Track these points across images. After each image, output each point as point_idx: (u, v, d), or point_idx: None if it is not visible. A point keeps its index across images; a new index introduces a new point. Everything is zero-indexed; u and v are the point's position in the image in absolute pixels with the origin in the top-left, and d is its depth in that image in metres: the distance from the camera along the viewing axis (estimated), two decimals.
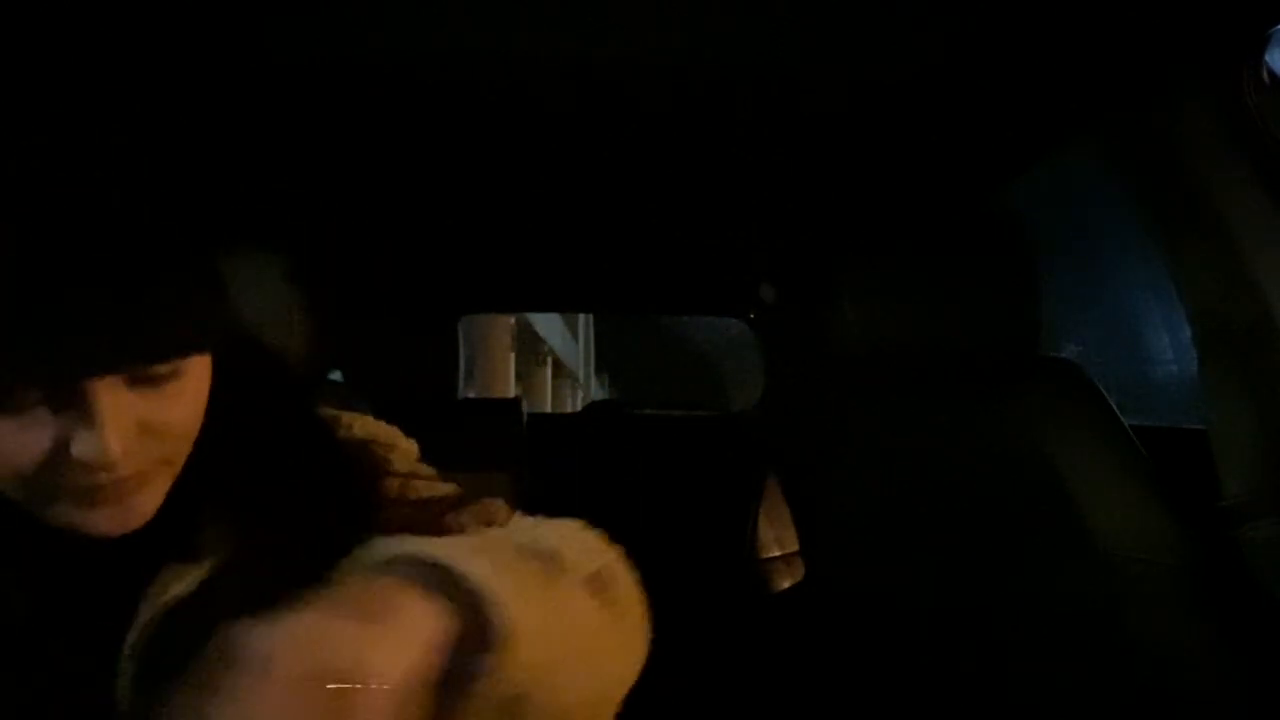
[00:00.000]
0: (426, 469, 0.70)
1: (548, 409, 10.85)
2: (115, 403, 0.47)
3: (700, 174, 1.37)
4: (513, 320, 8.70)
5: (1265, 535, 0.76)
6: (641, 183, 1.43)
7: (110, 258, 0.46)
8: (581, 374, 14.14)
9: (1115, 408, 0.98)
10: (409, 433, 0.70)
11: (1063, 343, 1.69)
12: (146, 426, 0.49)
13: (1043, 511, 0.94)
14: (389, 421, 0.71)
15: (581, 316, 11.99)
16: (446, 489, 0.68)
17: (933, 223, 1.04)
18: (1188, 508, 0.89)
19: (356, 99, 1.04)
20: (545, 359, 11.68)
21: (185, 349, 0.51)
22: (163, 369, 0.49)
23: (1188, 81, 0.82)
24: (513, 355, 9.35)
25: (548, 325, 10.52)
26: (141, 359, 0.48)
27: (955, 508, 1.00)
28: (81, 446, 0.46)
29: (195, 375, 0.53)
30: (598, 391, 14.29)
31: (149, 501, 0.51)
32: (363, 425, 0.69)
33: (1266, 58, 0.80)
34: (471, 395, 3.92)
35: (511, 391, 8.59)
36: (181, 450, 0.53)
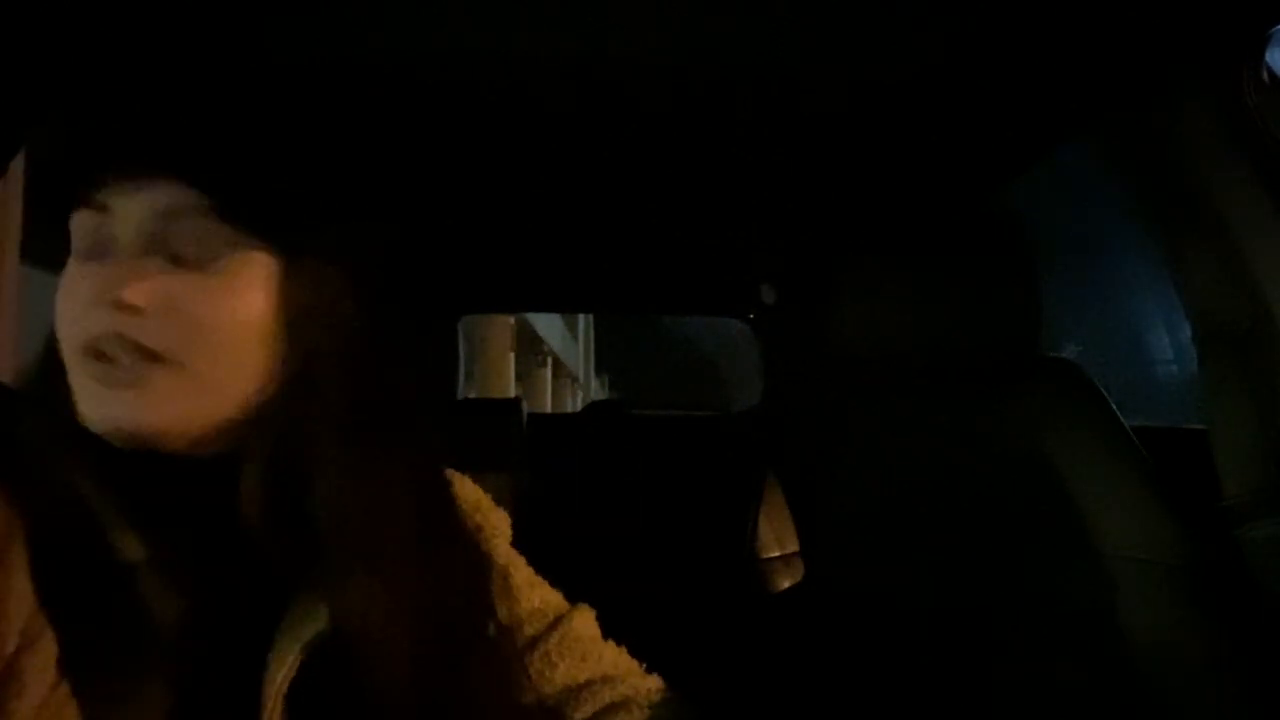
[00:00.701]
0: (518, 559, 0.68)
1: (548, 409, 10.85)
2: (151, 261, 0.49)
3: (700, 174, 1.37)
4: (513, 320, 8.71)
5: (1265, 535, 0.76)
6: (641, 183, 1.43)
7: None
8: (581, 374, 14.14)
9: (1115, 408, 0.98)
10: None
11: (1063, 343, 1.69)
12: (173, 305, 0.49)
13: (1043, 511, 0.94)
14: None
15: (581, 316, 12.00)
16: (537, 601, 0.67)
17: (932, 223, 1.04)
18: (1188, 508, 0.88)
19: (356, 99, 1.04)
20: (545, 359, 11.68)
21: (246, 222, 0.50)
22: (200, 249, 0.50)
23: (1188, 81, 0.82)
24: (513, 355, 9.36)
25: (548, 325, 10.53)
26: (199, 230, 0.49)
27: (955, 508, 1.00)
28: (110, 285, 0.48)
29: (243, 279, 0.51)
30: (598, 391, 14.30)
31: (153, 409, 0.48)
32: (464, 487, 0.68)
33: (1266, 58, 0.80)
34: (471, 395, 3.92)
35: (511, 391, 8.59)
36: (203, 368, 0.49)
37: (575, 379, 13.80)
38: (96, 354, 0.48)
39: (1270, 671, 0.79)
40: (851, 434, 1.09)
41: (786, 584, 1.54)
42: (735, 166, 1.33)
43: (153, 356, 0.48)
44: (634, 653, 0.70)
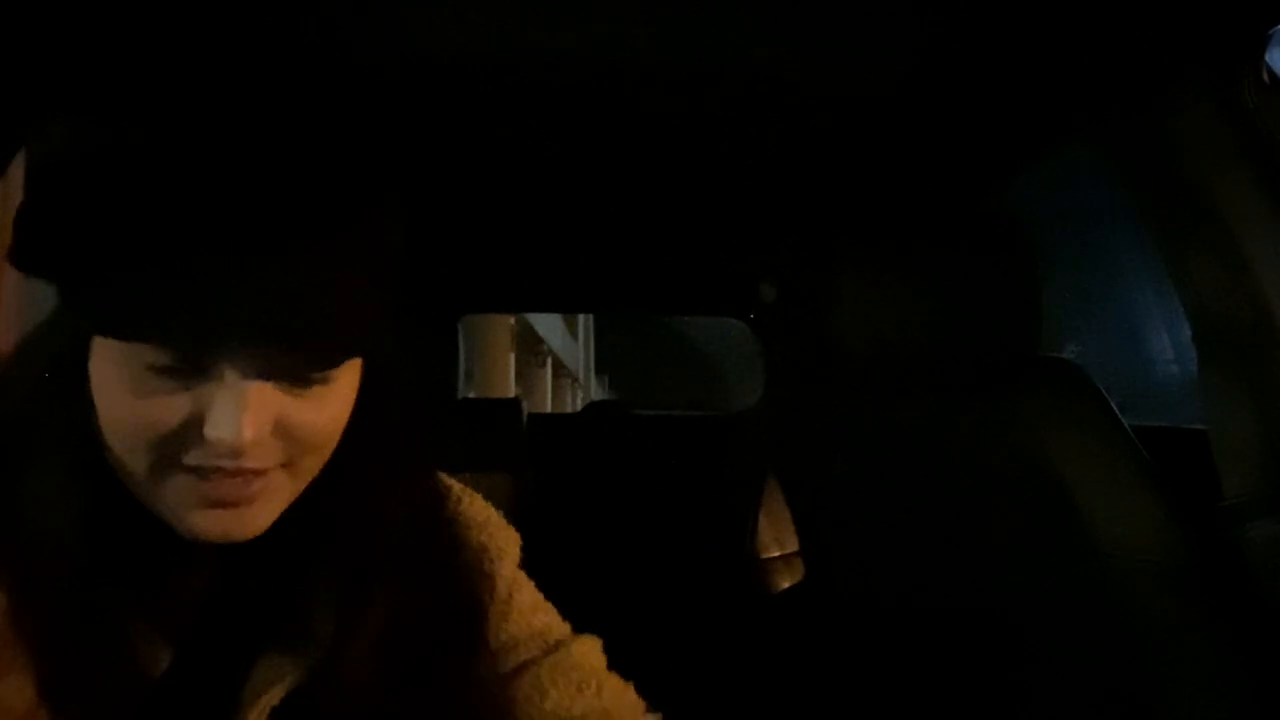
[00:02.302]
0: (524, 581, 0.66)
1: (548, 409, 10.85)
2: (260, 390, 0.45)
3: (700, 174, 1.37)
4: (513, 320, 8.70)
5: (1265, 535, 0.76)
6: (641, 183, 1.43)
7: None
8: (581, 374, 14.14)
9: (1115, 408, 0.98)
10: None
11: (1063, 343, 1.69)
12: (283, 425, 0.47)
13: (1042, 512, 0.94)
14: None
15: (581, 316, 11.99)
16: (539, 624, 0.65)
17: (932, 223, 1.04)
18: (1188, 508, 0.89)
19: (357, 98, 1.04)
20: (545, 359, 11.68)
21: (347, 352, 0.49)
22: (317, 373, 0.48)
23: (1188, 82, 0.82)
24: (513, 355, 9.35)
25: (548, 325, 10.52)
26: (305, 361, 0.47)
27: (955, 508, 1.00)
28: (216, 425, 0.44)
29: (344, 382, 0.50)
30: (598, 391, 14.29)
31: (263, 516, 0.48)
32: (473, 504, 0.66)
33: (1266, 58, 0.80)
34: (471, 395, 3.92)
35: (511, 391, 8.59)
36: (309, 465, 0.50)
37: (575, 379, 13.79)
38: (197, 472, 0.46)
39: (1270, 671, 0.79)
40: (851, 434, 1.09)
41: (786, 584, 1.54)
42: (735, 166, 1.33)
43: (265, 473, 0.48)
44: (634, 651, 0.68)
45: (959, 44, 0.90)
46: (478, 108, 1.08)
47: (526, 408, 2.32)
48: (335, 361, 0.49)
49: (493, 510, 0.68)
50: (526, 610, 0.64)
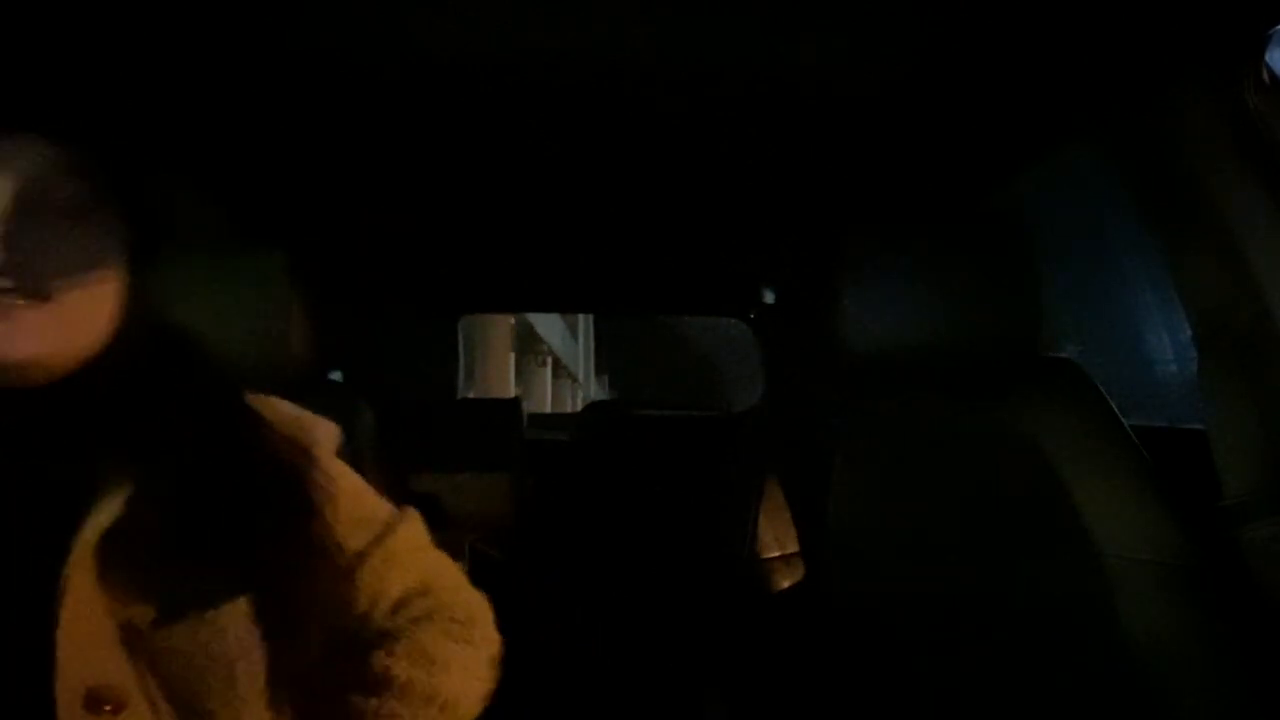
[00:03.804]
0: (343, 468, 0.69)
1: (548, 409, 10.85)
2: (25, 207, 0.53)
3: (700, 174, 1.37)
4: (513, 320, 8.70)
5: (1265, 535, 0.76)
6: (641, 183, 1.43)
7: None
8: (581, 374, 14.13)
9: (1115, 408, 0.98)
10: (409, 432, 0.69)
11: (1063, 343, 1.69)
12: (20, 247, 0.53)
13: (1042, 511, 0.94)
14: (388, 421, 0.71)
15: (581, 316, 11.98)
16: (365, 510, 0.68)
17: (932, 223, 1.04)
18: (1188, 508, 0.88)
19: (358, 98, 1.04)
20: (545, 359, 11.67)
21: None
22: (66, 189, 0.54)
23: (1188, 81, 0.82)
24: (513, 355, 9.35)
25: (548, 325, 10.52)
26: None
27: (955, 508, 1.00)
28: None
29: (90, 226, 0.56)
30: (598, 391, 14.29)
31: (24, 341, 0.53)
32: (275, 405, 0.69)
33: (1266, 58, 0.80)
34: (471, 395, 3.92)
35: (511, 391, 8.59)
36: (69, 303, 0.55)
37: (575, 379, 13.79)
38: None
39: (1270, 671, 0.79)
40: (851, 434, 1.09)
41: (786, 584, 1.54)
42: (735, 166, 1.33)
43: (32, 294, 0.54)
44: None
45: (959, 44, 0.90)
46: (478, 108, 1.08)
47: (526, 408, 2.32)
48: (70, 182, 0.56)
49: (304, 411, 0.70)
50: (351, 497, 0.67)
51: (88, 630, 0.52)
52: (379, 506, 0.70)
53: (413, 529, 0.70)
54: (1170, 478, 0.92)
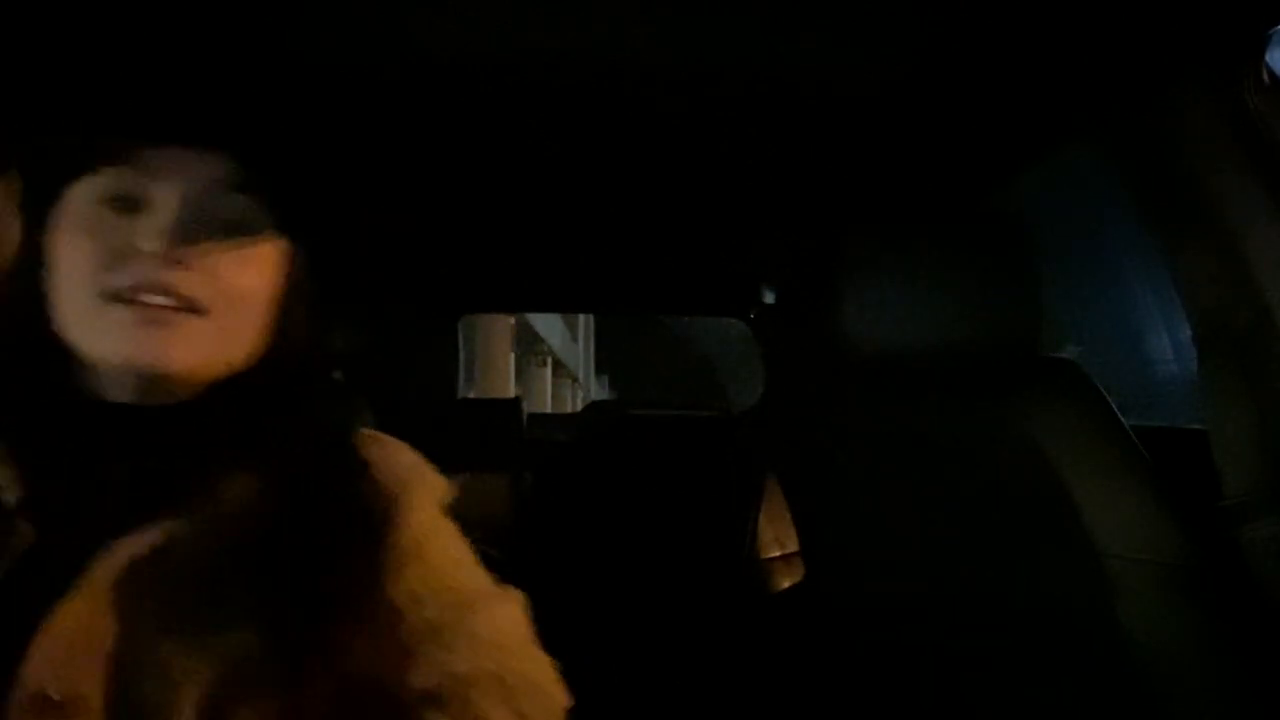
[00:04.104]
0: (448, 536, 0.63)
1: (548, 409, 10.85)
2: (192, 219, 0.54)
3: (700, 174, 1.37)
4: (513, 320, 8.71)
5: (1265, 535, 0.76)
6: (641, 183, 1.43)
7: None
8: (581, 374, 14.14)
9: (1115, 408, 0.98)
10: (409, 432, 0.68)
11: (1063, 343, 1.69)
12: (207, 262, 0.55)
13: (1043, 511, 0.94)
14: (388, 421, 0.70)
15: (581, 316, 11.99)
16: (456, 585, 0.61)
17: (933, 222, 1.04)
18: (1188, 508, 0.88)
19: (358, 98, 1.04)
20: (545, 359, 11.68)
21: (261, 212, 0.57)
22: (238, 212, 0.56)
23: (1188, 81, 0.82)
24: (513, 355, 9.36)
25: (548, 325, 10.53)
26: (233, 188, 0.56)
27: (955, 508, 1.00)
28: (149, 237, 0.53)
29: (269, 251, 0.58)
30: (598, 391, 14.29)
31: (182, 351, 0.54)
32: (386, 450, 0.65)
33: (1266, 58, 0.80)
34: (471, 395, 3.92)
35: (511, 391, 8.59)
36: (229, 324, 0.56)
37: (575, 379, 13.80)
38: (130, 300, 0.53)
39: (1270, 671, 0.79)
40: (851, 434, 1.09)
41: (786, 584, 1.54)
42: (735, 166, 1.33)
43: (192, 306, 0.54)
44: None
45: (959, 44, 0.90)
46: (478, 108, 1.08)
47: (526, 408, 2.32)
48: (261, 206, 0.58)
49: (418, 459, 0.66)
50: (437, 565, 0.61)
51: (79, 640, 0.50)
52: (474, 580, 0.63)
53: (509, 613, 0.62)
54: (1170, 478, 0.92)
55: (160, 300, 0.53)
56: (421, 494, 0.64)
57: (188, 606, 0.52)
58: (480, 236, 1.76)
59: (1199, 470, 0.83)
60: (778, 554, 1.60)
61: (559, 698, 0.60)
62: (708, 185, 1.43)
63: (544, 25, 0.88)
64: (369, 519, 0.60)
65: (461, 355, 2.42)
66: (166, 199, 0.55)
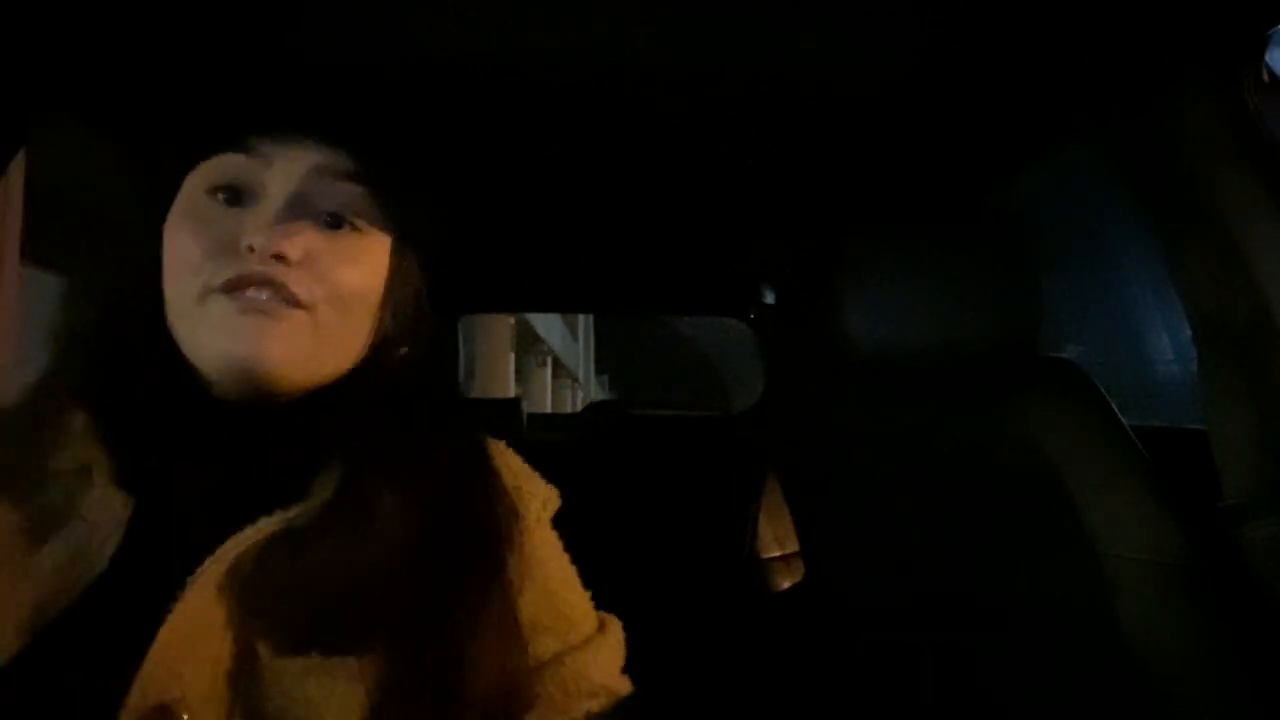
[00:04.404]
0: (555, 551, 0.62)
1: (548, 409, 10.85)
2: (297, 212, 0.54)
3: (700, 174, 1.37)
4: (513, 320, 8.71)
5: (1265, 535, 0.76)
6: (641, 183, 1.43)
7: None
8: (581, 374, 14.14)
9: (1115, 408, 0.98)
10: None
11: (1063, 343, 1.69)
12: (311, 257, 0.53)
13: (1042, 512, 0.94)
14: None
15: (581, 316, 11.99)
16: (568, 612, 0.60)
17: (933, 222, 1.04)
18: (1188, 508, 0.88)
19: (359, 99, 1.04)
20: (545, 359, 11.68)
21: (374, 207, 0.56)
22: (347, 209, 0.55)
23: (1188, 81, 0.82)
24: (513, 355, 9.36)
25: (548, 325, 10.53)
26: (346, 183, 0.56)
27: (955, 508, 1.00)
28: (256, 230, 0.52)
29: (375, 247, 0.56)
30: (598, 391, 14.29)
31: (282, 347, 0.52)
32: (508, 457, 0.64)
33: (1266, 58, 0.80)
34: (471, 395, 3.92)
35: (511, 391, 8.59)
36: (331, 320, 0.54)
37: (575, 379, 13.79)
38: (235, 292, 0.52)
39: (1270, 671, 0.79)
40: (851, 434, 1.09)
41: (786, 584, 1.54)
42: (735, 166, 1.33)
43: (294, 301, 0.53)
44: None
45: (959, 44, 0.90)
46: (478, 108, 1.08)
47: (526, 408, 2.32)
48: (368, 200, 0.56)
49: (525, 467, 0.66)
50: (554, 589, 0.60)
51: (190, 640, 0.48)
52: (580, 607, 0.62)
53: (612, 646, 0.62)
54: (1170, 478, 0.92)
55: (264, 296, 0.52)
56: (538, 508, 0.63)
57: (314, 619, 0.49)
58: (480, 236, 1.76)
59: (1199, 470, 0.83)
60: (778, 554, 1.61)
61: None
62: (708, 185, 1.43)
63: (544, 25, 0.88)
64: (498, 533, 0.58)
65: (461, 355, 2.41)
66: (274, 189, 0.54)
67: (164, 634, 0.47)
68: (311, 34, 0.89)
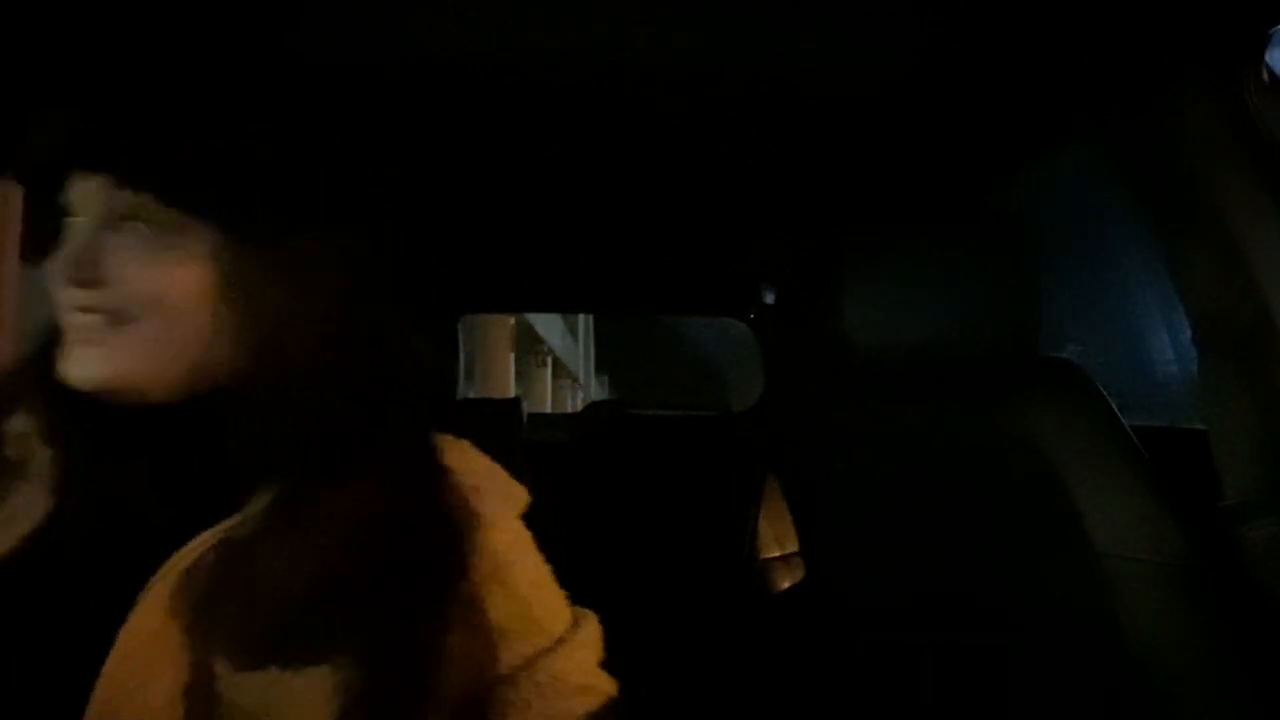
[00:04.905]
0: (526, 550, 0.60)
1: (548, 409, 10.85)
2: (103, 230, 0.54)
3: (700, 174, 1.37)
4: (513, 320, 8.71)
5: (1265, 535, 0.76)
6: (641, 183, 1.43)
7: None
8: (581, 374, 14.14)
9: (1115, 408, 0.98)
10: None
11: (1063, 343, 1.69)
12: (126, 273, 0.54)
13: (1042, 512, 0.94)
14: None
15: (581, 316, 11.99)
16: (541, 614, 0.59)
17: (933, 223, 1.04)
18: (1188, 508, 0.88)
19: (359, 99, 1.04)
20: (545, 359, 11.68)
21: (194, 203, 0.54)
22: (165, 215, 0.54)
23: (1188, 81, 0.82)
24: (513, 355, 9.35)
25: (548, 325, 10.52)
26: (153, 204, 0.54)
27: (955, 508, 1.00)
28: (61, 257, 0.54)
29: (199, 250, 0.55)
30: (598, 391, 14.29)
31: (127, 358, 0.54)
32: (466, 456, 0.62)
33: (1266, 58, 0.80)
34: (471, 395, 3.92)
35: (511, 391, 8.59)
36: (178, 329, 0.55)
37: (575, 379, 13.80)
38: (66, 323, 0.55)
39: (1270, 671, 0.78)
40: (851, 434, 1.09)
41: (786, 584, 1.54)
42: (735, 166, 1.33)
43: (116, 319, 0.54)
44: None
45: (959, 44, 0.90)
46: (478, 108, 1.08)
47: (526, 408, 2.32)
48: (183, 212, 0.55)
49: (491, 466, 0.63)
50: (523, 592, 0.58)
51: (144, 658, 0.48)
52: (553, 606, 0.61)
53: (588, 644, 0.60)
54: (1170, 478, 0.92)
55: (86, 320, 0.54)
56: (501, 506, 0.60)
57: (269, 632, 0.48)
58: (480, 236, 1.76)
59: (1199, 470, 0.82)
60: (778, 554, 1.60)
61: None
62: (708, 185, 1.43)
63: (544, 25, 0.88)
64: (455, 535, 0.56)
65: (461, 355, 2.41)
66: (82, 223, 0.56)
67: (115, 655, 0.48)
68: (311, 34, 0.89)
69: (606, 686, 0.60)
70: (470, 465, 0.61)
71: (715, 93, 1.04)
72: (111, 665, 0.47)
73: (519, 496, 0.62)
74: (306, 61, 0.93)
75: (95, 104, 0.58)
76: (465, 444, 0.63)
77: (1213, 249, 0.81)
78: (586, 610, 0.63)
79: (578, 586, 0.69)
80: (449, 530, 0.56)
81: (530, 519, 0.63)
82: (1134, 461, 0.93)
